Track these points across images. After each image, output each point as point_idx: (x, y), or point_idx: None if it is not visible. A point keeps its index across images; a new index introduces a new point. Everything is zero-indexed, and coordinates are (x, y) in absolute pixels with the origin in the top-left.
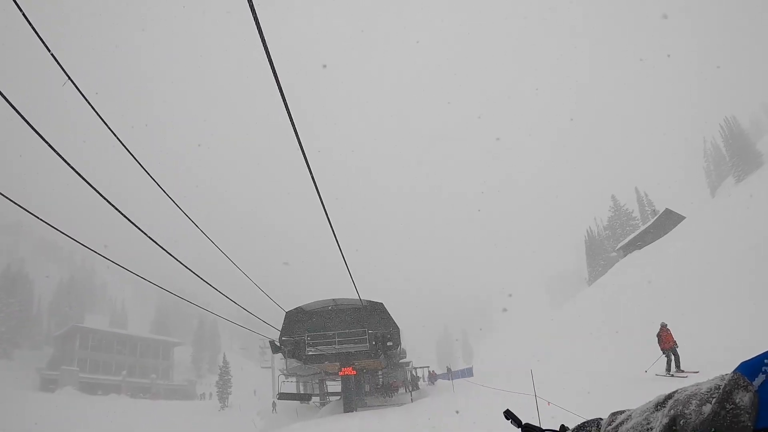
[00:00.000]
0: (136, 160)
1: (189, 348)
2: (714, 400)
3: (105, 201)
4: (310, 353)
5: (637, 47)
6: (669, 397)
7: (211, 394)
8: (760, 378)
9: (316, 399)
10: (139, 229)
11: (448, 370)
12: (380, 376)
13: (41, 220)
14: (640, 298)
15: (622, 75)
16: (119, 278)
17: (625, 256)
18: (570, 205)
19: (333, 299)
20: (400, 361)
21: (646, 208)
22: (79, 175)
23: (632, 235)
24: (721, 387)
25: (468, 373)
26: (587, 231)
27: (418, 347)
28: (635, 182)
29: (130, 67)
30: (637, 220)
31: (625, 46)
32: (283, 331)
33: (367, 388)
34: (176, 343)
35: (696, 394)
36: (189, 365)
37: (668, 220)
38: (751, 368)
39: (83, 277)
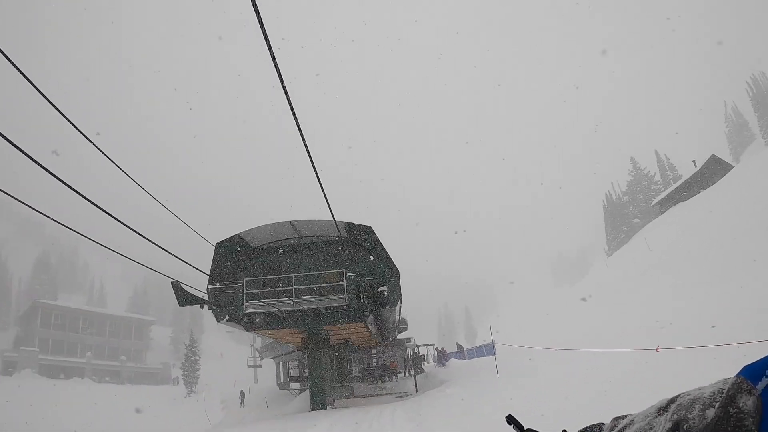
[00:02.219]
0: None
1: (168, 328)
2: (717, 404)
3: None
4: (251, 311)
5: (652, 11)
6: (672, 401)
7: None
8: (764, 382)
9: (295, 386)
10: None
11: (459, 348)
12: (374, 355)
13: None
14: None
15: (635, 43)
16: (99, 258)
17: (663, 212)
18: (578, 180)
19: (290, 222)
20: (399, 336)
21: (668, 173)
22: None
23: (673, 187)
24: (725, 391)
25: (489, 350)
26: (605, 195)
27: (417, 328)
28: (651, 148)
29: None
30: (659, 184)
31: (640, 11)
32: (212, 276)
33: (354, 371)
34: (151, 322)
35: (699, 398)
36: (168, 347)
37: (715, 169)
38: (754, 372)
39: (62, 257)
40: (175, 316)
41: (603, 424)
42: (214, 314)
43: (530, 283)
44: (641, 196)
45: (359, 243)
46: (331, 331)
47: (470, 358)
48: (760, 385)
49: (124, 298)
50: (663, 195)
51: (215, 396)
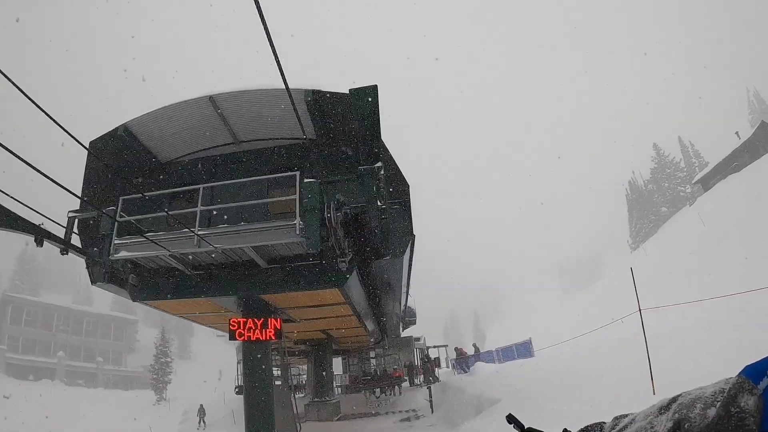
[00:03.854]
0: None
1: (156, 329)
2: (719, 403)
3: None
4: (122, 256)
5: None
6: (673, 400)
7: (165, 384)
8: (765, 381)
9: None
10: None
11: (477, 350)
12: (372, 360)
13: None
14: None
15: (649, 29)
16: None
17: (708, 188)
18: (582, 178)
19: (210, 98)
20: (403, 332)
21: (693, 159)
22: None
23: (718, 161)
24: (726, 390)
25: (523, 351)
26: (629, 183)
27: (422, 332)
28: (669, 136)
29: None
30: (684, 171)
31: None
32: (83, 199)
33: (343, 379)
34: (133, 322)
35: (700, 397)
36: (154, 349)
37: (766, 136)
38: (755, 371)
39: (50, 256)
40: (163, 315)
41: (604, 423)
42: (89, 272)
43: (538, 289)
44: (666, 184)
45: (335, 137)
46: (286, 309)
47: (499, 360)
48: (762, 385)
49: (110, 296)
50: (706, 170)
51: (183, 406)
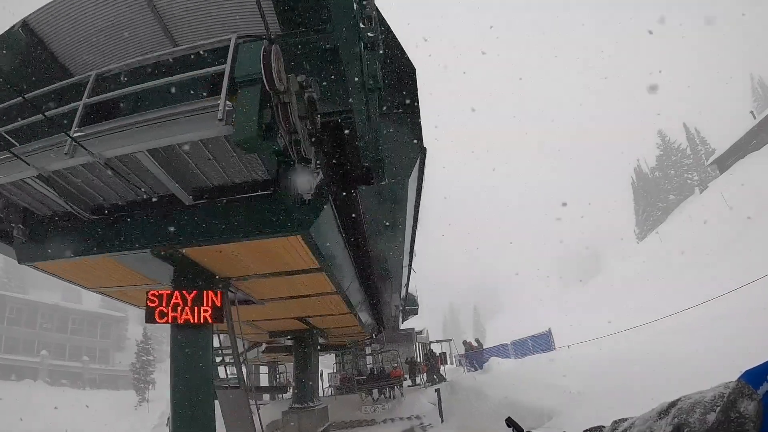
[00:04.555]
0: None
1: (145, 327)
2: (718, 408)
3: None
4: None
5: None
6: (672, 405)
7: (150, 384)
8: (765, 386)
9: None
10: None
11: (480, 344)
12: (368, 357)
13: None
14: None
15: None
16: None
17: (722, 171)
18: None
19: None
20: (403, 323)
21: (699, 148)
22: None
23: (731, 144)
24: (726, 395)
25: (541, 344)
26: (635, 170)
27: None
28: (676, 123)
29: None
30: (690, 159)
31: None
32: None
33: (333, 380)
34: (120, 319)
35: (700, 402)
36: (135, 347)
37: None
38: (755, 376)
39: None
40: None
41: (603, 426)
42: None
43: (538, 282)
44: (673, 172)
45: (303, 18)
46: (234, 279)
47: (516, 356)
48: (761, 390)
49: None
50: (720, 152)
51: (162, 408)
